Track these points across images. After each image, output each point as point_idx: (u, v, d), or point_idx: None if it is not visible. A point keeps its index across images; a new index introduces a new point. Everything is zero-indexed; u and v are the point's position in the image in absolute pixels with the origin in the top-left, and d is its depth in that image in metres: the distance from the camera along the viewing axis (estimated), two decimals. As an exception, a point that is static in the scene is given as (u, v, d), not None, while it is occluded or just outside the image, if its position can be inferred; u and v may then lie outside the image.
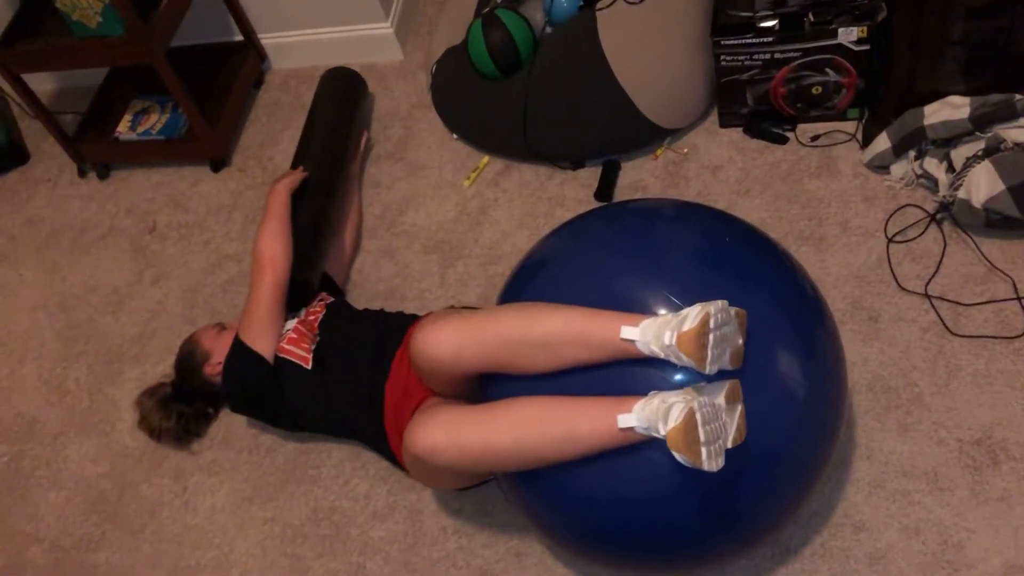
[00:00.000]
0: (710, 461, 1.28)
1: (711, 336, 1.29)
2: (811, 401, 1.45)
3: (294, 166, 2.31)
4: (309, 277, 2.10)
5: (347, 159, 2.40)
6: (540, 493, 1.50)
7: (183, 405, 2.10)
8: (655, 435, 1.31)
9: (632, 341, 1.36)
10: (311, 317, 2.02)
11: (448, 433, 1.47)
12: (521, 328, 1.44)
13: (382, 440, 1.85)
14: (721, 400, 1.32)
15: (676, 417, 1.27)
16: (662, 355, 1.33)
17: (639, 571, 1.60)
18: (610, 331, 1.37)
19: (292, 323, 2.00)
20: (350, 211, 2.41)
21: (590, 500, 1.44)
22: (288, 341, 1.95)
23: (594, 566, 1.76)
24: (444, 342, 1.50)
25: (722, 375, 1.35)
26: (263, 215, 2.06)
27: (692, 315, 1.30)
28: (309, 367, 1.92)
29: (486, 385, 1.55)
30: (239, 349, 1.93)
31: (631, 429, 1.33)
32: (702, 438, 1.27)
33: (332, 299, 2.10)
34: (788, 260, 1.57)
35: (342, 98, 2.49)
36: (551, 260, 1.58)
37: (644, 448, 1.36)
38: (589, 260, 1.52)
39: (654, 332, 1.33)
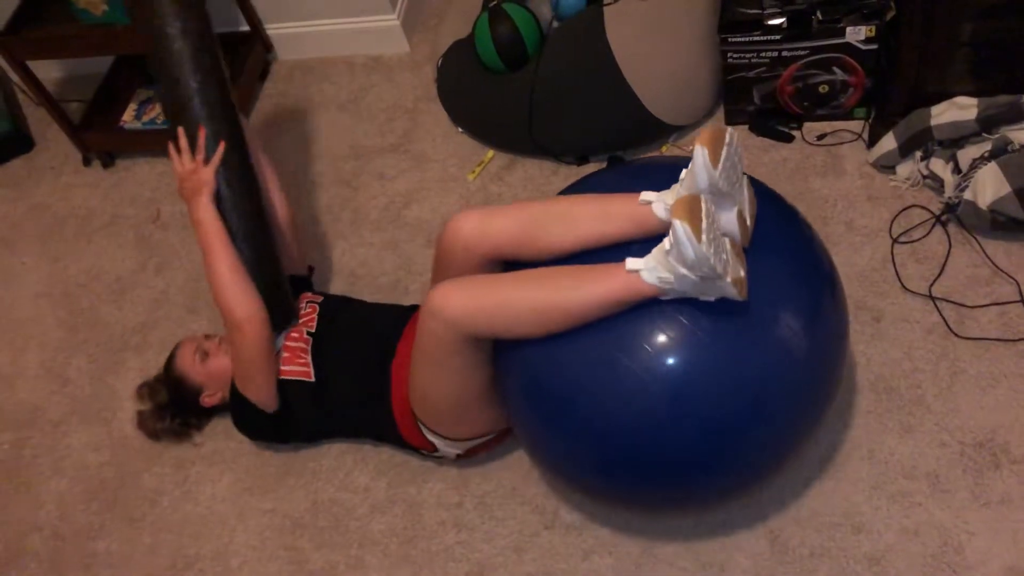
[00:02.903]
0: (708, 246, 1.29)
1: (726, 148, 1.38)
2: (815, 339, 1.48)
3: (175, 123, 1.83)
4: (285, 304, 1.94)
5: (229, 91, 1.87)
6: (546, 422, 1.53)
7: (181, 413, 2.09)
8: (663, 276, 1.35)
9: (649, 203, 1.46)
10: (302, 319, 1.97)
11: (463, 287, 1.51)
12: (543, 203, 1.56)
13: (389, 423, 1.83)
14: (728, 245, 1.38)
15: (681, 194, 1.36)
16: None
17: (640, 506, 1.63)
18: (630, 198, 1.48)
19: (281, 340, 1.92)
20: (263, 168, 2.00)
21: (592, 429, 1.47)
22: (284, 362, 1.89)
23: (596, 501, 1.77)
24: (470, 217, 1.60)
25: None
26: (205, 255, 1.80)
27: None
28: (312, 379, 1.88)
29: None
30: (242, 403, 1.90)
31: (637, 274, 1.37)
32: (704, 223, 1.31)
33: (320, 297, 2.03)
34: (794, 210, 1.61)
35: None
36: None
37: (651, 379, 1.39)
38: None
39: (672, 192, 1.43)
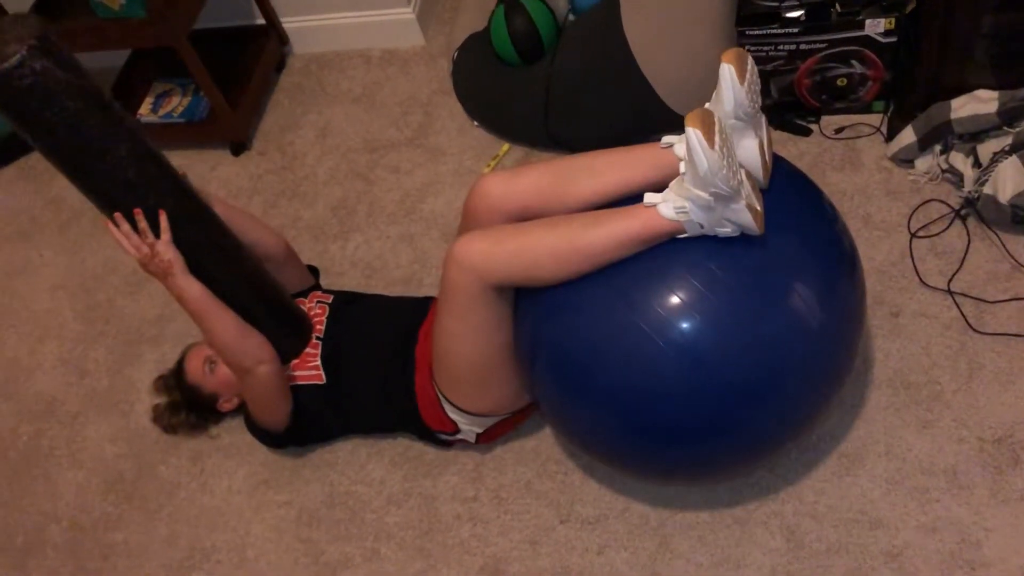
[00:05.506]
0: (720, 157, 1.31)
1: (749, 65, 1.41)
2: (832, 306, 1.50)
3: (108, 208, 1.63)
4: (296, 326, 1.89)
5: (145, 140, 1.63)
6: (566, 390, 1.56)
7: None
8: (679, 206, 1.37)
9: (671, 145, 1.49)
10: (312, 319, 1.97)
11: (484, 234, 1.54)
12: (565, 159, 1.60)
13: (410, 406, 1.82)
14: (744, 176, 1.39)
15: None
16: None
17: (657, 472, 1.65)
18: (651, 145, 1.52)
19: None
20: (230, 212, 1.86)
21: (614, 395, 1.49)
22: (294, 368, 1.89)
23: (617, 470, 1.77)
24: (496, 177, 1.63)
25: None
26: (199, 323, 1.73)
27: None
28: (324, 381, 1.88)
29: None
30: (257, 428, 1.93)
31: (655, 209, 1.40)
32: (717, 135, 1.32)
33: (329, 297, 2.00)
34: (815, 185, 1.63)
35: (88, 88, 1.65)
36: None
37: (668, 343, 1.41)
38: None
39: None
